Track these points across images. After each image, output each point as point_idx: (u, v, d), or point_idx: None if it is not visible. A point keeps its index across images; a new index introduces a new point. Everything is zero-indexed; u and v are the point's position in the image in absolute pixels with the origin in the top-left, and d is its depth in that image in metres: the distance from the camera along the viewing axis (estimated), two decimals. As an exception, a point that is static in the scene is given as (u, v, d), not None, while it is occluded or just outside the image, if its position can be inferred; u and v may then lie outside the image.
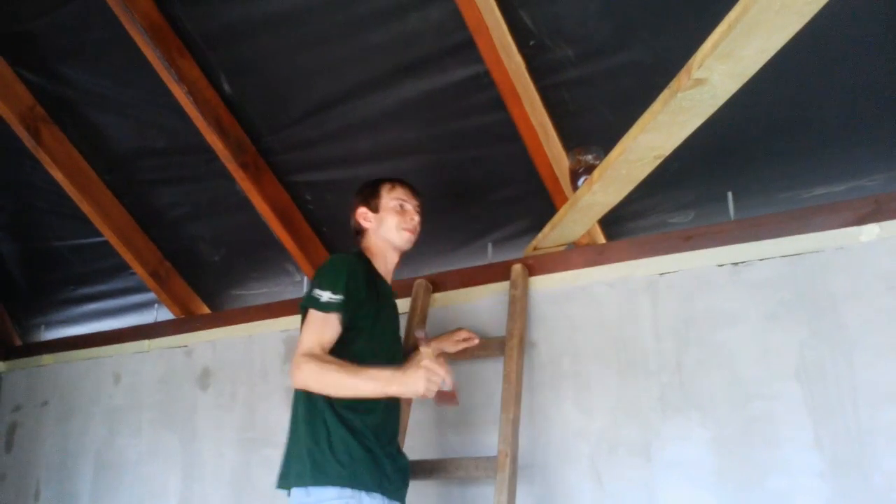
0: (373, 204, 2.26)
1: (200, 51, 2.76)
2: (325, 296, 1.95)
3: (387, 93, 2.61)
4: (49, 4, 2.80)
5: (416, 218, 2.28)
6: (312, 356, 1.88)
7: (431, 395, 1.85)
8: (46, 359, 3.85)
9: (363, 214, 2.27)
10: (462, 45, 2.36)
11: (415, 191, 2.32)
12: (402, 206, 2.26)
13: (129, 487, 3.32)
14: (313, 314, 1.96)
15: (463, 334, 2.47)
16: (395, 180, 2.32)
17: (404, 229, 2.23)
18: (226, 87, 2.83)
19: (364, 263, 2.16)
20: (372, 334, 2.07)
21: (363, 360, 1.92)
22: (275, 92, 2.80)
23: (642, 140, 1.69)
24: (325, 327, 1.94)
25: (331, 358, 1.89)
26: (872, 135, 2.12)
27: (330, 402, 1.95)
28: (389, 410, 2.09)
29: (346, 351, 1.94)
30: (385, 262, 2.24)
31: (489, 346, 2.44)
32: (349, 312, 1.97)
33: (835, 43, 1.99)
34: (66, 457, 3.59)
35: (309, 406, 1.97)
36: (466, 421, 2.50)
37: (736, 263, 2.18)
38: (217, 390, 3.22)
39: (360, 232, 2.28)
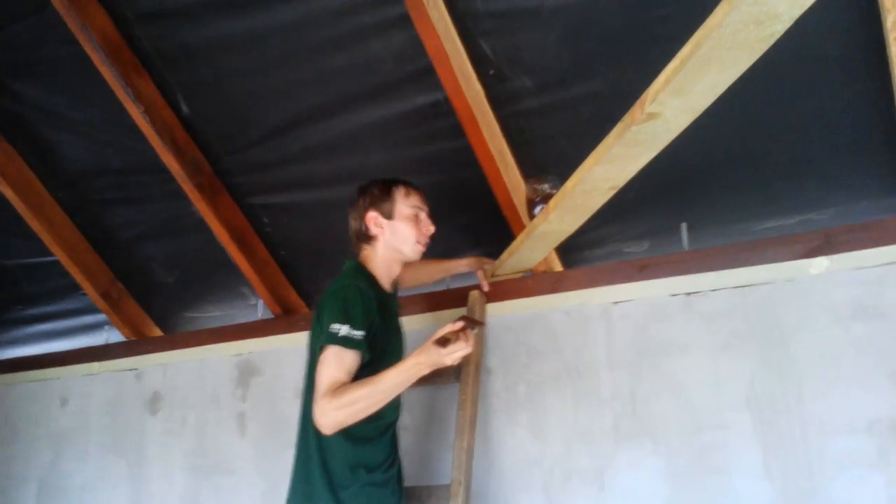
0: (386, 209, 2.08)
1: (158, 70, 2.73)
2: (344, 329, 1.82)
3: (347, 117, 2.60)
4: (3, 19, 2.75)
5: (433, 228, 2.13)
6: (332, 393, 1.76)
7: (456, 356, 1.74)
8: (-9, 380, 3.74)
9: (374, 219, 2.08)
10: (422, 71, 2.37)
11: (426, 196, 2.18)
12: (417, 214, 2.11)
13: (73, 514, 3.23)
14: (332, 350, 1.82)
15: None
16: (409, 184, 2.15)
17: (419, 242, 2.10)
18: (183, 107, 2.79)
19: (370, 284, 2.01)
20: (381, 361, 1.93)
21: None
22: (233, 113, 2.77)
23: (597, 171, 1.70)
24: (343, 362, 1.81)
25: (348, 385, 1.78)
26: (822, 170, 2.17)
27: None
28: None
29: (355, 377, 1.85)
30: (388, 271, 2.10)
31: (445, 372, 2.41)
32: (367, 347, 1.87)
33: (786, 80, 2.03)
34: (8, 481, 3.49)
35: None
36: (420, 447, 2.48)
37: (689, 293, 2.20)
38: (167, 415, 3.15)
39: (366, 238, 2.10)
